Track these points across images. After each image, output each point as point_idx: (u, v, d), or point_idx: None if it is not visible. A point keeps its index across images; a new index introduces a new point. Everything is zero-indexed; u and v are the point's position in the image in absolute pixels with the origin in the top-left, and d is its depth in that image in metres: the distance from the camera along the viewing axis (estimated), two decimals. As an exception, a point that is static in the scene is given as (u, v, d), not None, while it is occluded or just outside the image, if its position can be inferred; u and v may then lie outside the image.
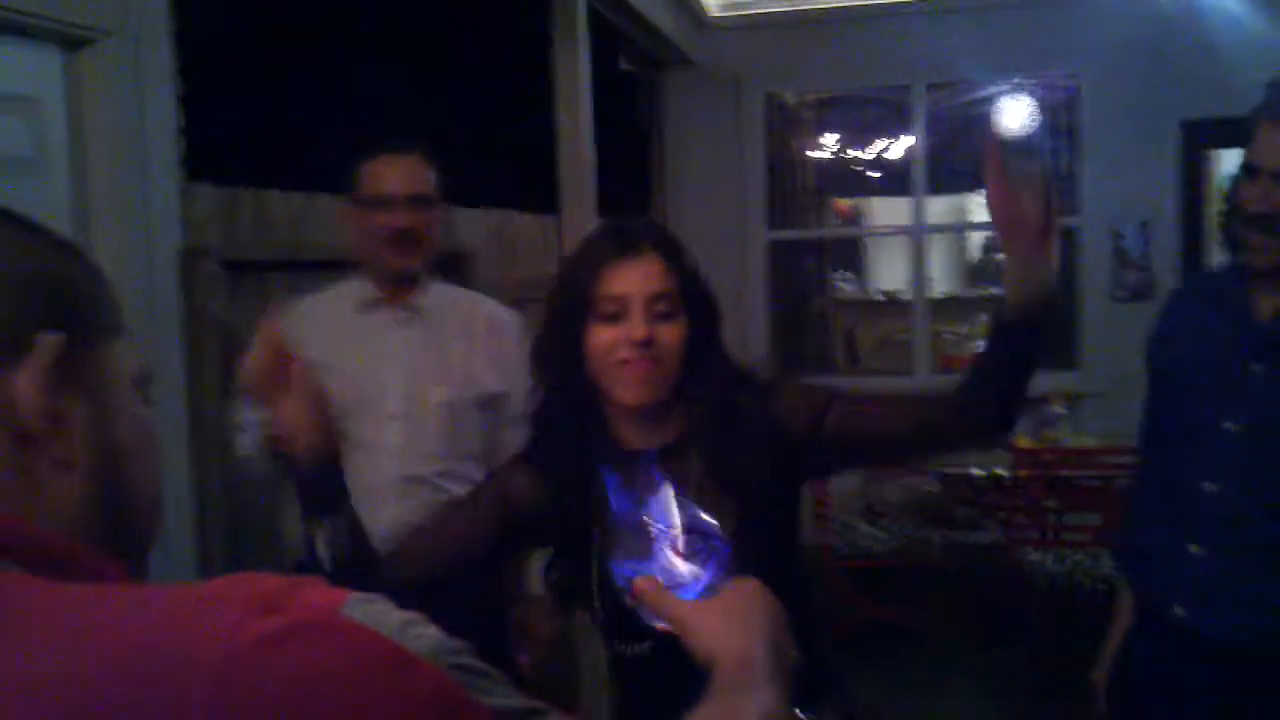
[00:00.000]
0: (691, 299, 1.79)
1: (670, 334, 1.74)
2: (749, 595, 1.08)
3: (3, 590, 0.71)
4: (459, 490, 2.63)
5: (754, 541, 1.65)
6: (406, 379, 2.66)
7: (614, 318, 1.73)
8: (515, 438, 2.72)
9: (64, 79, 2.73)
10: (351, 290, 2.73)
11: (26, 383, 0.75)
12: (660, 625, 1.14)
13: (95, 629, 0.67)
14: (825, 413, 1.80)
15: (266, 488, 2.75)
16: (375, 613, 0.70)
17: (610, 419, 1.83)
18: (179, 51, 2.97)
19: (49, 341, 0.76)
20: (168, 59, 2.93)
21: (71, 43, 2.72)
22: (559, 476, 1.83)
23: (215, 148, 3.12)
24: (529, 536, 1.92)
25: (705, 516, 1.22)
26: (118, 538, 0.81)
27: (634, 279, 1.74)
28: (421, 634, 0.71)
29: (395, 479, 2.61)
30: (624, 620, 1.70)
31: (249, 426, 2.56)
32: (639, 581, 1.14)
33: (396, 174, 2.65)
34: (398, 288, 2.70)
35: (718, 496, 1.70)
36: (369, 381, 2.65)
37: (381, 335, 2.69)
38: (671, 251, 1.80)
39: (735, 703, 0.97)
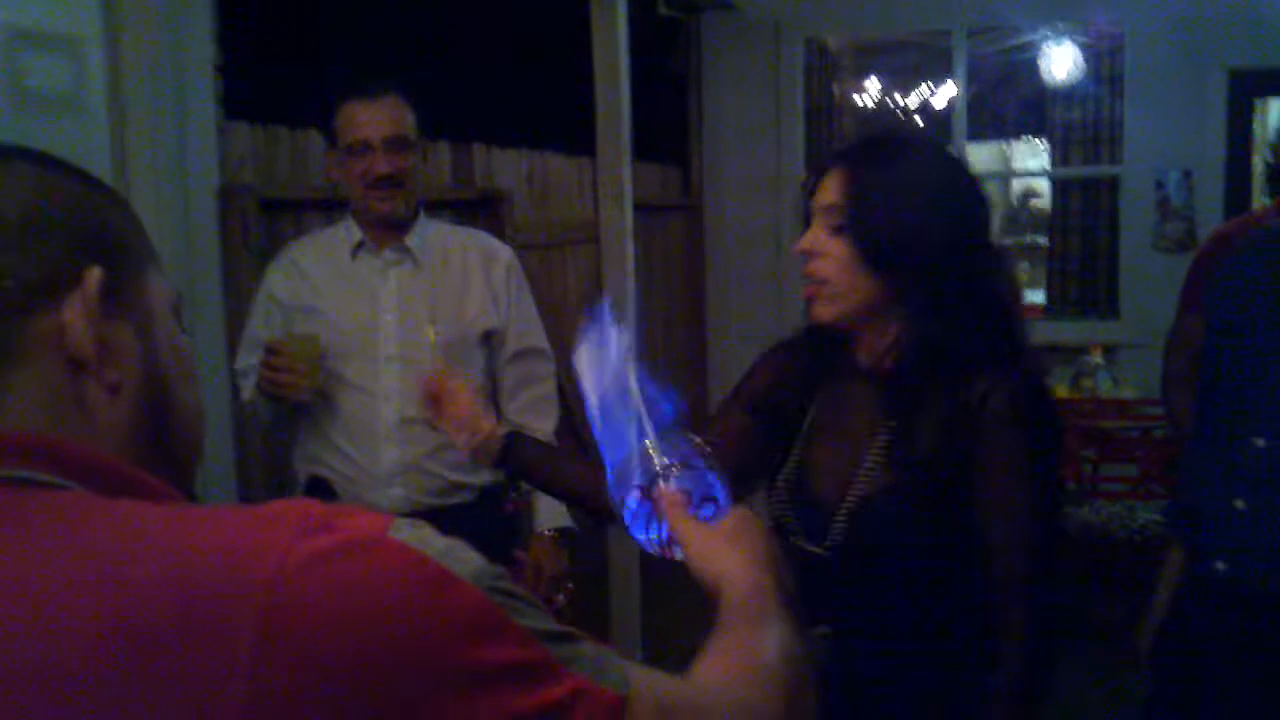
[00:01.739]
0: (861, 219, 1.63)
1: (832, 251, 1.65)
2: (749, 524, 1.12)
3: (64, 507, 0.73)
4: None
5: (902, 505, 1.63)
6: (400, 320, 2.64)
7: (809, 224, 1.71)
8: (516, 374, 2.75)
9: (102, 17, 2.73)
10: (343, 233, 2.71)
11: (77, 314, 0.78)
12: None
13: (153, 542, 0.70)
14: (976, 438, 1.61)
15: (270, 430, 2.78)
16: (421, 536, 0.73)
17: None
18: (217, -10, 2.96)
19: (95, 274, 0.79)
20: (205, -3, 2.92)
21: (110, -20, 2.71)
22: (790, 377, 1.82)
23: (252, 86, 3.11)
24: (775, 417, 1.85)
25: (714, 466, 1.20)
26: (166, 459, 0.84)
27: (823, 187, 1.69)
28: (464, 557, 0.74)
29: (395, 421, 2.60)
30: (815, 524, 1.71)
31: (248, 373, 2.59)
32: (665, 493, 1.15)
33: (372, 118, 2.58)
34: (387, 230, 2.67)
35: (894, 455, 1.66)
36: (363, 325, 2.63)
37: (374, 278, 2.67)
38: (857, 164, 1.67)
39: (754, 634, 0.99)
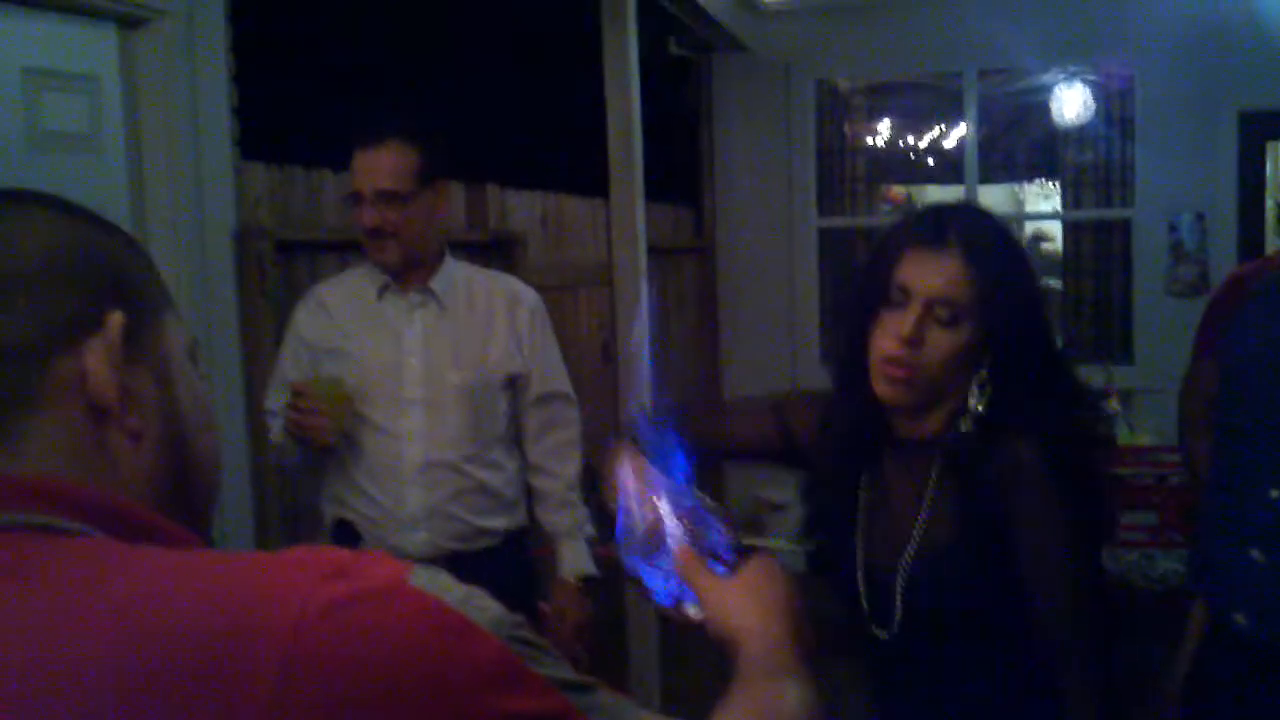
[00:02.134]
0: (989, 311, 1.60)
1: (943, 343, 1.62)
2: (767, 574, 1.11)
3: (85, 554, 0.73)
4: (485, 475, 2.64)
5: (956, 572, 1.63)
6: (424, 363, 2.63)
7: (898, 306, 1.63)
8: (539, 418, 2.74)
9: (120, 58, 2.74)
10: (369, 274, 2.69)
11: (98, 360, 0.78)
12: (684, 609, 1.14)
13: (173, 590, 0.70)
14: (1014, 497, 1.60)
15: (297, 470, 2.77)
16: (440, 583, 0.73)
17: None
18: (233, 31, 2.98)
19: (117, 319, 0.79)
20: (222, 38, 2.94)
21: (128, 22, 2.73)
22: (837, 444, 1.78)
23: (268, 127, 3.12)
24: (803, 464, 1.86)
25: (726, 519, 1.19)
26: (184, 504, 0.84)
27: (922, 274, 1.62)
28: (483, 605, 0.74)
29: (419, 464, 2.60)
30: (880, 602, 1.70)
31: (277, 414, 2.59)
32: (680, 550, 1.13)
33: (365, 169, 2.57)
34: (409, 272, 2.66)
35: (953, 514, 1.65)
36: (387, 367, 2.63)
37: (398, 319, 2.66)
38: (977, 252, 1.62)
39: (771, 687, 0.99)
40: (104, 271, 0.82)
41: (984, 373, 1.63)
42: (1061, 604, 1.60)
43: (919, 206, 1.81)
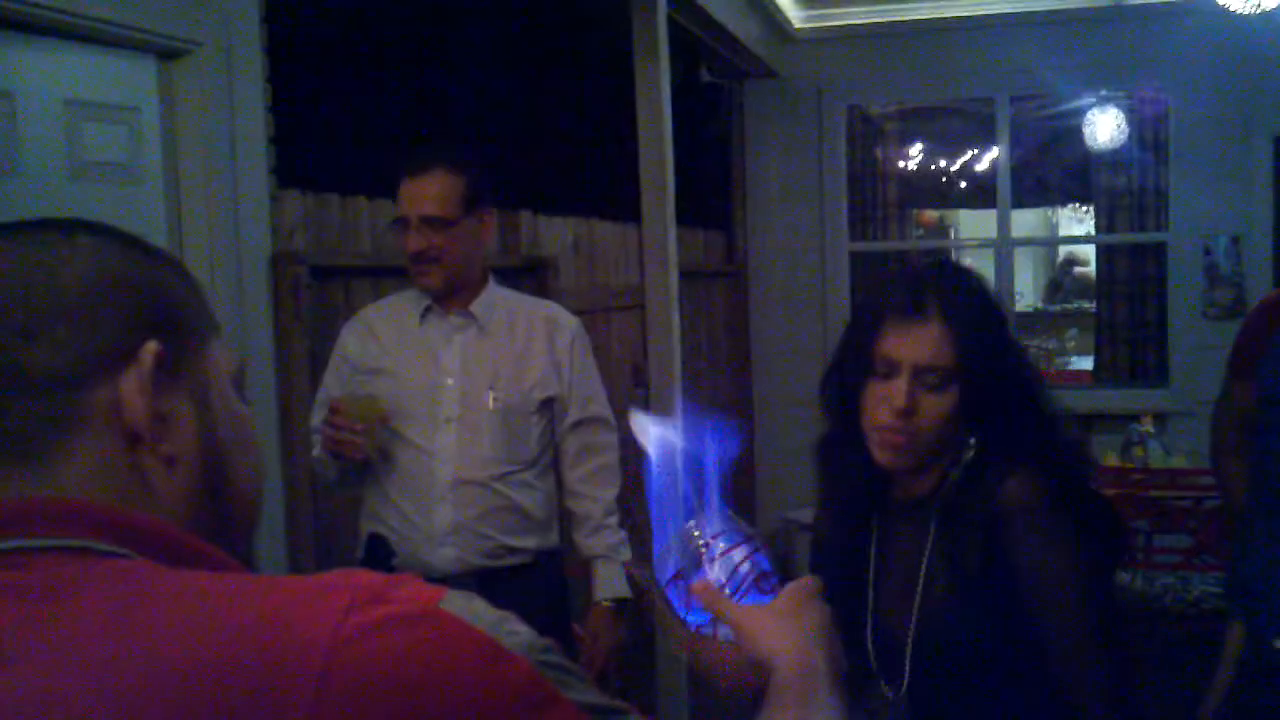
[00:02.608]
0: (973, 371, 1.65)
1: (934, 408, 1.65)
2: (802, 598, 1.10)
3: (121, 577, 0.74)
4: (516, 495, 2.67)
5: (969, 626, 1.63)
6: (461, 384, 2.69)
7: (884, 377, 1.67)
8: (578, 442, 2.76)
9: (159, 88, 2.79)
10: (414, 297, 2.77)
11: (133, 388, 0.79)
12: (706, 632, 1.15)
13: (209, 614, 0.70)
14: (1013, 543, 1.61)
15: (337, 487, 2.81)
16: (472, 608, 0.73)
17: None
18: (270, 62, 3.02)
19: (151, 349, 0.80)
20: (259, 69, 2.98)
21: (167, 53, 2.78)
22: (836, 514, 1.82)
23: (304, 155, 3.16)
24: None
25: (758, 545, 1.20)
26: (223, 526, 0.85)
27: (905, 345, 1.66)
28: (515, 630, 0.74)
29: (450, 482, 2.65)
30: (891, 662, 1.71)
31: (317, 431, 2.65)
32: (696, 585, 1.14)
33: (411, 196, 2.65)
34: (450, 296, 2.72)
35: (944, 565, 1.68)
36: (425, 386, 2.69)
37: (438, 341, 2.73)
38: (955, 317, 1.66)
39: (803, 714, 0.98)
40: (143, 300, 0.83)
41: (972, 441, 1.67)
42: (1075, 638, 1.60)
43: (895, 271, 1.84)
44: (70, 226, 0.85)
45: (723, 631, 1.14)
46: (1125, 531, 1.88)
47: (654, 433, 1.21)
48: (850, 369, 1.72)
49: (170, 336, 0.82)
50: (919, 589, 1.69)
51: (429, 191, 2.63)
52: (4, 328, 0.78)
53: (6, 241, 0.82)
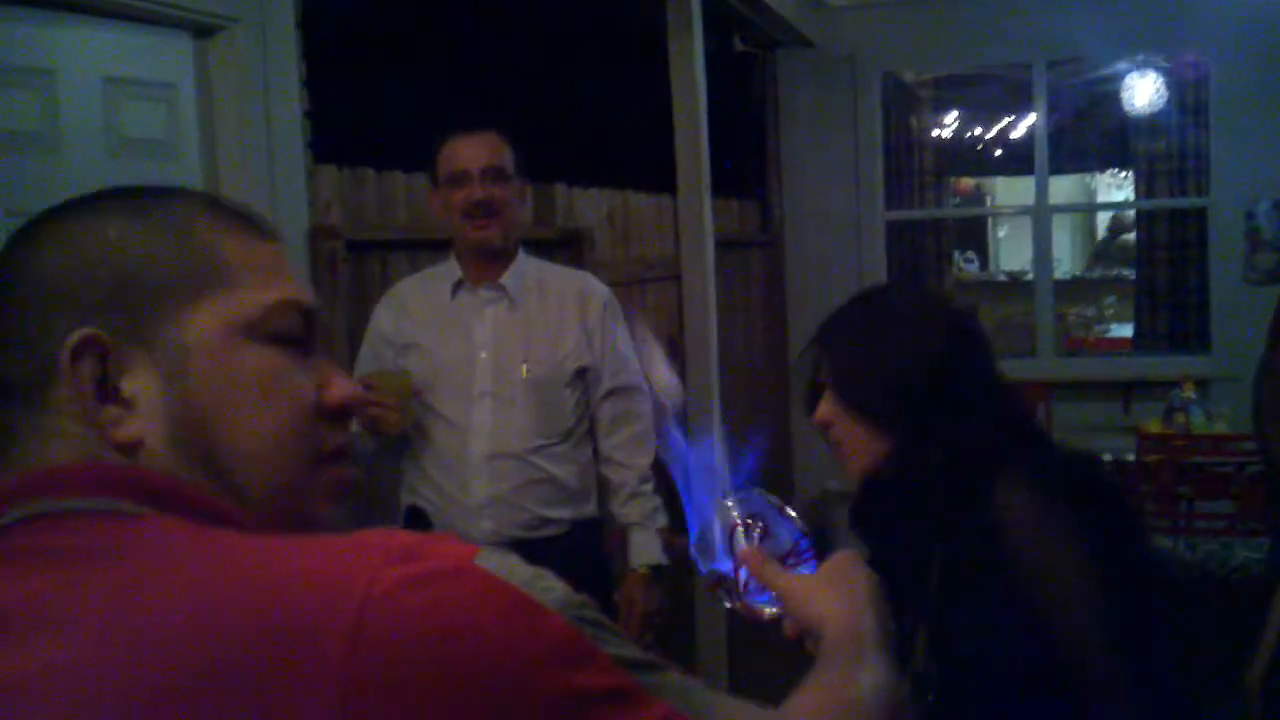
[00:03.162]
0: (839, 381, 1.75)
1: (829, 413, 1.75)
2: (849, 564, 1.10)
3: (153, 537, 0.74)
4: (551, 467, 2.68)
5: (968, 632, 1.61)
6: (494, 357, 2.70)
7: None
8: (611, 411, 2.78)
9: (195, 65, 2.80)
10: (445, 272, 2.79)
11: (74, 382, 0.79)
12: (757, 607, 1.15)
13: (242, 574, 0.70)
14: (1008, 552, 1.58)
15: (373, 461, 2.83)
16: (507, 564, 0.73)
17: None
18: (304, 37, 3.03)
19: (66, 345, 0.78)
20: (294, 45, 2.99)
21: (202, 30, 2.79)
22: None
23: (339, 130, 3.18)
24: None
25: (792, 514, 1.21)
26: (230, 494, 0.82)
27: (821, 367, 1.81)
28: (550, 586, 0.73)
29: (485, 456, 2.66)
30: (942, 670, 1.67)
31: None
32: (745, 551, 1.14)
33: (473, 150, 2.69)
34: (485, 267, 2.74)
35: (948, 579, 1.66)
36: (458, 361, 2.70)
37: (470, 315, 2.74)
38: (827, 333, 1.81)
39: (848, 674, 0.97)
40: (95, 285, 0.80)
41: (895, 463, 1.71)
42: (1085, 640, 1.54)
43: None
44: (39, 222, 0.84)
45: (765, 604, 1.14)
46: (1130, 509, 1.85)
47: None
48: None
49: (128, 315, 0.80)
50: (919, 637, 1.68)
51: (489, 143, 2.69)
52: None
53: (22, 235, 0.84)
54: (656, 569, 2.82)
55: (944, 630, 1.64)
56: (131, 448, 0.79)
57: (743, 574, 1.16)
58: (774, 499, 1.21)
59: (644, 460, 2.83)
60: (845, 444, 1.74)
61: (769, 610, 1.14)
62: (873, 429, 1.71)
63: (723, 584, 1.18)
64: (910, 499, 1.69)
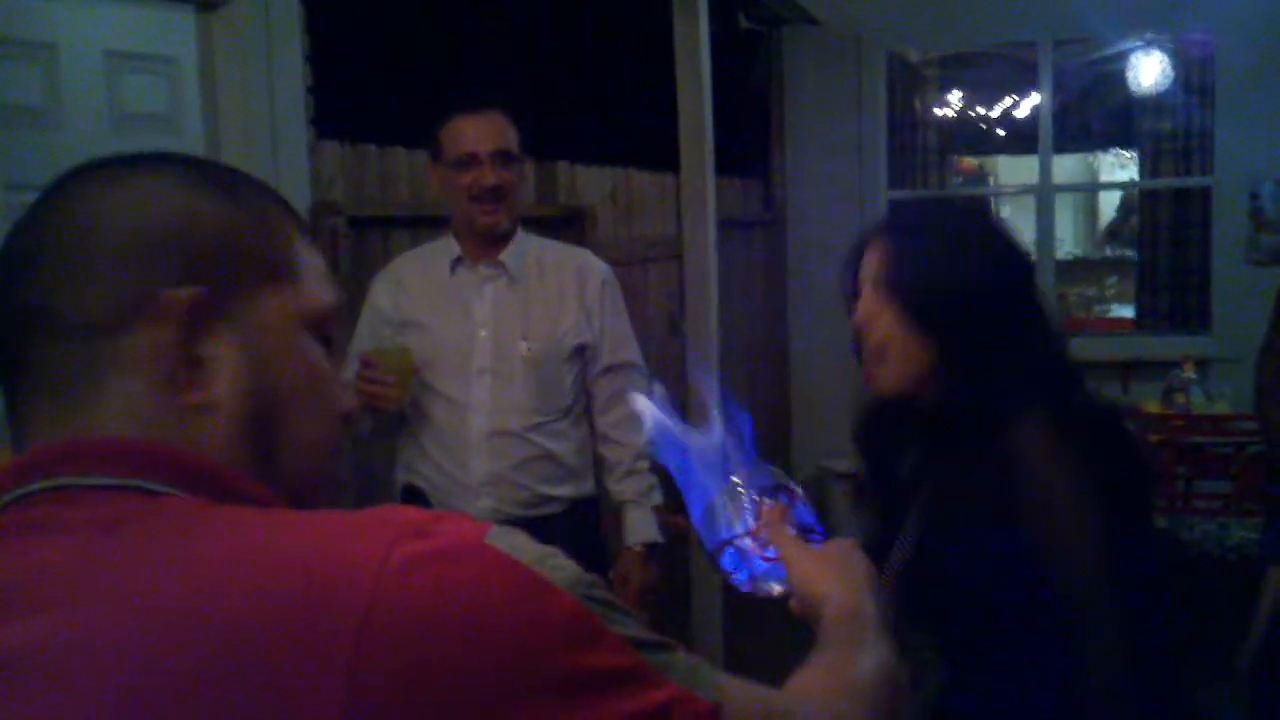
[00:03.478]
0: (905, 284, 1.65)
1: (882, 319, 1.65)
2: (848, 551, 1.11)
3: (175, 514, 0.75)
4: (550, 444, 2.68)
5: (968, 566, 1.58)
6: (494, 335, 2.69)
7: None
8: (609, 388, 2.77)
9: (198, 40, 2.80)
10: (444, 249, 2.76)
11: (166, 333, 0.78)
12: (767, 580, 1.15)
13: (255, 548, 0.71)
14: (1023, 484, 1.56)
15: (371, 439, 2.82)
16: (516, 543, 0.73)
17: None
18: (307, 12, 3.02)
19: (185, 295, 0.78)
20: (296, 20, 2.99)
21: (205, 4, 2.79)
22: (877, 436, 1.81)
23: (342, 106, 3.17)
24: None
25: (799, 492, 1.21)
26: (273, 475, 0.83)
27: (869, 263, 1.69)
28: (560, 565, 0.74)
29: (485, 434, 2.65)
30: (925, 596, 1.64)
31: (349, 385, 2.64)
32: (769, 510, 1.14)
33: (482, 132, 2.64)
34: (486, 244, 2.72)
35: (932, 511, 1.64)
36: (457, 338, 2.69)
37: (470, 292, 2.72)
38: (899, 234, 1.72)
39: (851, 653, 0.98)
40: (196, 243, 0.81)
41: (944, 381, 1.64)
42: (1077, 581, 1.53)
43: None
44: (154, 163, 0.84)
45: (773, 582, 1.15)
46: (1145, 465, 1.82)
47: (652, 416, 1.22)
48: (848, 304, 1.76)
49: (218, 280, 0.80)
50: (909, 529, 1.65)
51: (496, 126, 2.66)
52: (54, 270, 0.78)
53: (79, 181, 0.82)
54: (652, 546, 2.83)
55: (931, 554, 1.61)
56: (202, 410, 0.79)
57: (750, 548, 1.16)
58: (782, 475, 1.22)
59: (640, 438, 2.81)
60: (886, 349, 1.65)
61: (777, 588, 1.15)
62: (920, 337, 1.63)
63: (725, 555, 1.19)
64: (933, 417, 1.67)
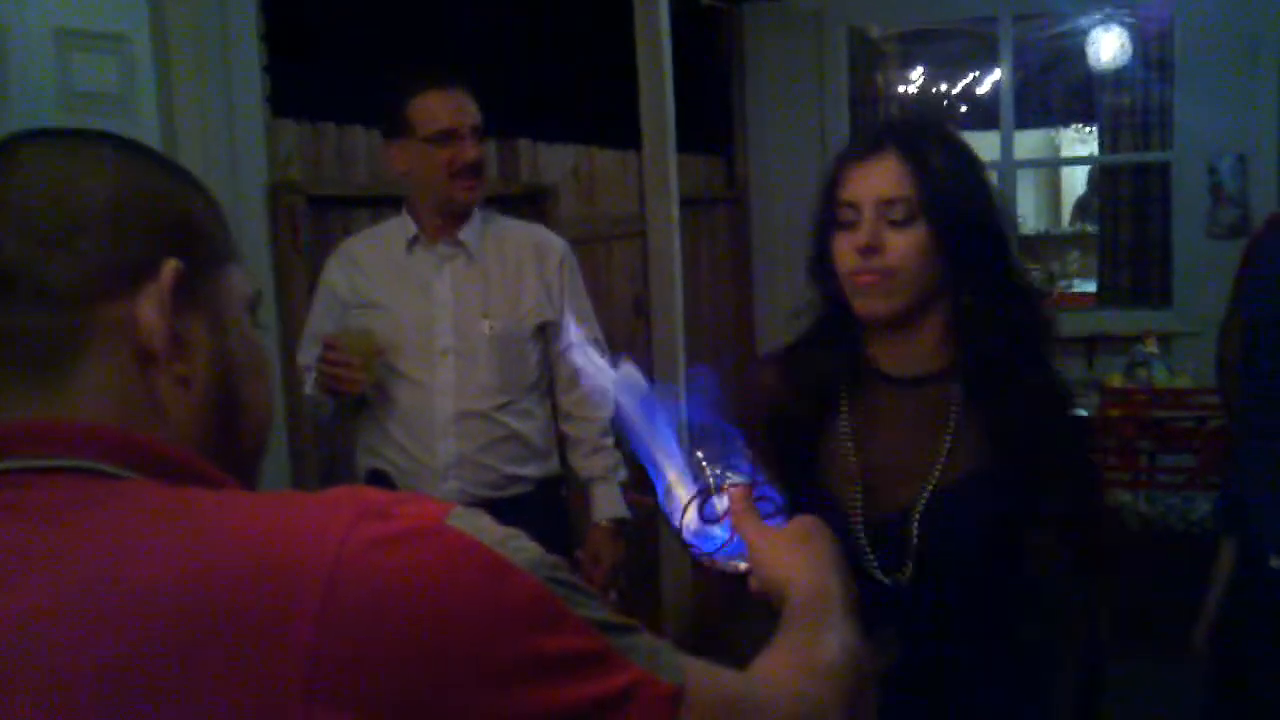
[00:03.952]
0: (938, 204, 1.60)
1: (902, 242, 1.60)
2: (814, 529, 1.10)
3: (129, 497, 0.74)
4: (517, 424, 2.66)
5: (1008, 498, 1.60)
6: (455, 314, 2.66)
7: (849, 225, 1.64)
8: (571, 365, 2.75)
9: (150, 17, 2.75)
10: (398, 228, 2.72)
11: (150, 306, 0.79)
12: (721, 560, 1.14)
13: (213, 528, 0.71)
14: (1052, 428, 1.63)
15: (330, 424, 2.79)
16: (479, 524, 0.73)
17: (866, 338, 1.72)
18: (262, -12, 2.98)
19: (172, 266, 0.80)
20: (251, -5, 2.94)
21: (157, -20, 2.73)
22: (801, 388, 1.74)
23: (299, 84, 3.13)
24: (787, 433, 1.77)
25: (769, 489, 1.19)
26: (231, 454, 0.85)
27: (864, 183, 1.63)
28: (522, 546, 0.74)
29: (451, 415, 2.62)
30: (887, 547, 1.65)
31: (310, 368, 2.61)
32: (735, 489, 1.13)
33: (460, 107, 2.61)
34: (445, 223, 2.68)
35: (979, 442, 1.63)
36: (418, 319, 2.65)
37: (429, 272, 2.68)
38: (915, 151, 1.63)
39: (816, 633, 0.98)
40: (166, 218, 0.82)
41: (968, 298, 1.64)
42: (1088, 528, 1.64)
43: (862, 126, 1.83)
44: (98, 137, 0.84)
45: (736, 558, 1.14)
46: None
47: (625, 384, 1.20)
48: (823, 227, 1.70)
49: (190, 256, 0.82)
50: (936, 470, 1.63)
51: (470, 103, 2.63)
52: (25, 237, 0.78)
53: (33, 148, 0.82)
54: (621, 522, 2.82)
55: (950, 493, 1.63)
56: (180, 382, 0.81)
57: (714, 525, 1.15)
58: (750, 457, 1.21)
59: (604, 414, 2.81)
60: (900, 271, 1.61)
61: (743, 564, 1.14)
62: (938, 255, 1.61)
63: (689, 532, 1.17)
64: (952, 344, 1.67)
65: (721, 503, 1.14)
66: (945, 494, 1.63)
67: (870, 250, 1.60)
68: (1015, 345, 1.62)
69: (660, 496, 1.19)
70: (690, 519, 1.16)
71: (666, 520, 1.19)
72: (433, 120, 2.59)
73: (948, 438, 1.64)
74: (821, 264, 1.70)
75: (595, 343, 2.82)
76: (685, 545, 1.19)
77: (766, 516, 1.15)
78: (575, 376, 2.79)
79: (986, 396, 1.63)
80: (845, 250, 1.64)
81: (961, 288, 1.63)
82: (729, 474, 1.17)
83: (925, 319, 1.66)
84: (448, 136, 2.59)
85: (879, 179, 1.62)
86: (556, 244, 2.82)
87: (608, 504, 2.82)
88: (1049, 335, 1.66)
